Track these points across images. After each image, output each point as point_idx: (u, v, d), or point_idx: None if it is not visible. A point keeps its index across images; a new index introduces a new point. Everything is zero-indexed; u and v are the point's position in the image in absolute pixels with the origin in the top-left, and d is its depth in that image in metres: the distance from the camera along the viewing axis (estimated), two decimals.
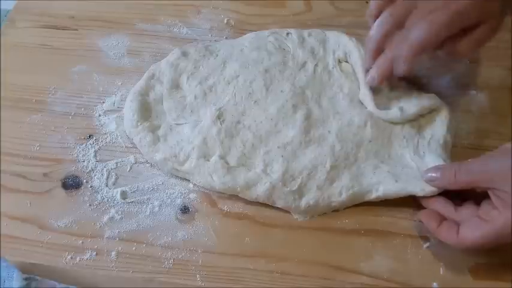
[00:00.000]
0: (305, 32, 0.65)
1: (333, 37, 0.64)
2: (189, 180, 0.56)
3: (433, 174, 0.51)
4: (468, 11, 0.51)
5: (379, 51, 0.56)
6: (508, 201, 0.45)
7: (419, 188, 0.52)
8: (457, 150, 0.58)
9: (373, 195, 0.53)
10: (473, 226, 0.47)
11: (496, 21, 0.53)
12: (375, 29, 0.55)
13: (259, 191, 0.53)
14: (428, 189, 0.52)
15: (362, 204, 0.55)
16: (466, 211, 0.50)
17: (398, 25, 0.54)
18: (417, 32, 0.52)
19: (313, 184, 0.54)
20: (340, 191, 0.53)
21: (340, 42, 0.63)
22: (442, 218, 0.51)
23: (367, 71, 0.58)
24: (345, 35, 0.64)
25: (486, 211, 0.48)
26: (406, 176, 0.53)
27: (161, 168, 0.57)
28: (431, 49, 0.54)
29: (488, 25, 0.53)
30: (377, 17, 0.56)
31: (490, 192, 0.47)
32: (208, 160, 0.55)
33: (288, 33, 0.65)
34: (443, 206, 0.51)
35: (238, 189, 0.54)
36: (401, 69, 0.54)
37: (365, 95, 0.58)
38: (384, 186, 0.53)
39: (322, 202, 0.53)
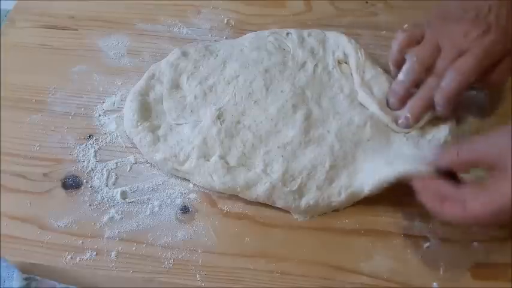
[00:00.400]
0: (305, 32, 0.65)
1: (333, 37, 0.64)
2: (189, 180, 0.56)
3: (436, 153, 0.51)
4: (494, 48, 0.52)
5: (407, 96, 0.56)
6: None
7: (414, 167, 0.50)
8: None
9: (369, 186, 0.53)
10: (482, 198, 0.45)
11: None
12: (404, 76, 0.56)
13: (259, 191, 0.53)
14: (424, 168, 0.50)
15: (362, 204, 0.55)
16: (468, 188, 0.48)
17: (428, 71, 0.55)
18: (449, 81, 0.53)
19: (312, 184, 0.54)
20: (339, 191, 0.53)
21: (340, 43, 0.63)
22: (443, 198, 0.48)
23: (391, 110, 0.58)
24: (344, 36, 0.64)
25: (491, 185, 0.46)
26: (400, 160, 0.53)
27: (161, 168, 0.57)
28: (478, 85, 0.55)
29: None
30: (399, 60, 0.57)
31: (492, 171, 0.46)
32: (208, 160, 0.55)
33: (288, 33, 0.65)
34: (443, 185, 0.49)
35: (238, 189, 0.54)
36: (443, 115, 0.55)
37: (364, 97, 0.58)
38: (378, 173, 0.53)
39: (322, 202, 0.53)
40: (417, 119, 0.56)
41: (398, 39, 0.57)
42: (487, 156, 0.47)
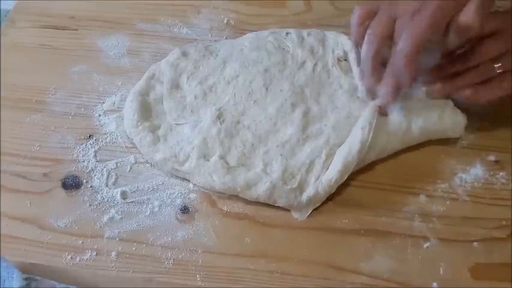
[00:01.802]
0: (304, 32, 0.65)
1: (332, 36, 0.64)
2: (189, 180, 0.56)
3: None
4: (447, 5, 0.50)
5: (377, 69, 0.56)
6: None
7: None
8: (456, 150, 0.59)
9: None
10: None
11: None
12: (365, 50, 0.56)
13: (260, 191, 0.53)
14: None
15: (362, 204, 0.55)
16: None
17: (386, 40, 0.54)
18: (404, 42, 0.52)
19: (311, 177, 0.54)
20: (333, 170, 0.54)
21: (339, 42, 0.64)
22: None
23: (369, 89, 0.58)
24: (343, 34, 0.64)
25: None
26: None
27: (161, 168, 0.57)
28: (430, 45, 0.53)
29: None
30: (361, 33, 0.56)
31: None
32: (208, 160, 0.55)
33: (287, 33, 0.65)
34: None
35: (239, 189, 0.54)
36: (407, 81, 0.54)
37: (363, 92, 0.59)
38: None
39: (322, 189, 0.53)
40: (392, 93, 0.55)
41: (356, 13, 0.56)
42: None
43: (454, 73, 0.57)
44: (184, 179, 0.57)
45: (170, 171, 0.57)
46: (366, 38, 0.55)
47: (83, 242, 0.52)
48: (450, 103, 0.58)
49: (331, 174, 0.54)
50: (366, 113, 0.56)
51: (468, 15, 0.50)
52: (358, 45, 0.59)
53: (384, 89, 0.56)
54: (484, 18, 0.50)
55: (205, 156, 0.55)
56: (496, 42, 0.54)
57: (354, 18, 0.57)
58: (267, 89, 0.60)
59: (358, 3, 0.71)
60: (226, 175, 0.54)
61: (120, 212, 0.54)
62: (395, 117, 0.57)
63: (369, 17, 0.56)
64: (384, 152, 0.57)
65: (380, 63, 0.56)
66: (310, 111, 0.58)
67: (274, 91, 0.60)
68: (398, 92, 0.56)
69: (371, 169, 0.57)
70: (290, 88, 0.60)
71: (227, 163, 0.55)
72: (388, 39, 0.54)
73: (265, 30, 0.66)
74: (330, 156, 0.55)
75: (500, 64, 0.54)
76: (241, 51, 0.63)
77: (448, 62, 0.57)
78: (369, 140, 0.54)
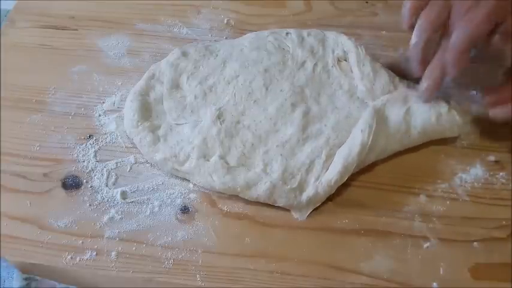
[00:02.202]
0: (304, 32, 0.65)
1: (332, 36, 0.64)
2: (189, 180, 0.56)
3: None
4: (502, 5, 0.50)
5: (425, 59, 0.55)
6: None
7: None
8: (456, 150, 0.59)
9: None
10: None
11: None
12: (416, 38, 0.54)
13: (260, 191, 0.53)
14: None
15: (362, 205, 0.55)
16: None
17: (438, 29, 0.53)
18: (457, 34, 0.51)
19: (311, 177, 0.54)
20: (333, 171, 0.54)
21: (339, 42, 0.64)
22: None
23: (416, 81, 0.58)
24: (343, 35, 0.64)
25: None
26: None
27: (161, 168, 0.57)
28: (481, 43, 0.53)
29: None
30: (413, 24, 0.55)
31: None
32: (208, 160, 0.55)
33: (287, 33, 0.65)
34: None
35: (239, 189, 0.54)
36: (452, 73, 0.53)
37: (365, 91, 0.59)
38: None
39: (322, 189, 0.53)
40: (437, 84, 0.55)
41: (407, 4, 0.55)
42: None
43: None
44: (184, 179, 0.57)
45: (170, 171, 0.57)
46: (416, 26, 0.54)
47: (83, 242, 0.52)
48: (444, 104, 0.58)
49: (331, 175, 0.54)
50: (366, 115, 0.56)
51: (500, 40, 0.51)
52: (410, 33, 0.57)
53: (426, 83, 0.55)
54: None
55: (205, 156, 0.55)
56: (430, 7, 0.53)
57: (406, 10, 0.56)
58: (267, 89, 0.60)
59: (358, 4, 0.72)
60: (226, 175, 0.54)
61: (120, 212, 0.54)
62: (395, 119, 0.57)
63: (421, 8, 0.54)
64: (384, 153, 0.57)
65: (428, 53, 0.55)
66: (310, 112, 0.58)
67: (274, 91, 0.60)
68: (440, 87, 0.55)
69: (371, 169, 0.57)
70: (290, 88, 0.60)
71: (227, 163, 0.55)
72: (439, 29, 0.53)
73: (265, 30, 0.66)
74: (330, 156, 0.55)
75: None
76: (241, 51, 0.63)
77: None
78: (369, 142, 0.54)
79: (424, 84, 0.56)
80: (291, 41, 0.64)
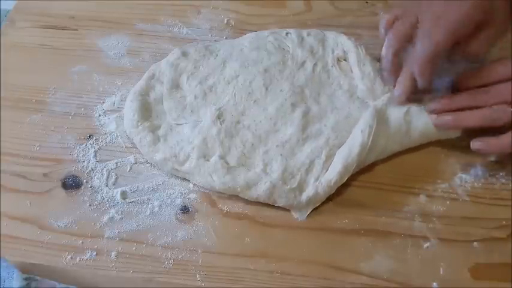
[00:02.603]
0: (304, 32, 0.65)
1: (332, 36, 0.64)
2: (189, 180, 0.56)
3: None
4: (470, 16, 0.52)
5: (396, 69, 0.58)
6: None
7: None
8: (456, 150, 0.58)
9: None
10: None
11: (505, 19, 0.54)
12: (385, 50, 0.57)
13: (260, 191, 0.53)
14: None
15: (362, 205, 0.55)
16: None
17: (405, 42, 0.56)
18: (422, 46, 0.54)
19: (311, 177, 0.54)
20: (333, 172, 0.54)
21: (339, 42, 0.64)
22: None
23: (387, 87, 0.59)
24: (343, 35, 0.64)
25: None
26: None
27: (161, 168, 0.57)
28: (443, 56, 0.55)
29: (497, 24, 0.53)
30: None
31: None
32: (208, 160, 0.55)
33: (287, 33, 0.65)
34: None
35: (239, 189, 0.54)
36: (420, 83, 0.55)
37: (365, 91, 0.59)
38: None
39: (321, 189, 0.53)
40: (407, 92, 0.57)
41: (383, 19, 0.58)
42: None
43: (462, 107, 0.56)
44: (184, 179, 0.57)
45: (170, 171, 0.57)
46: (387, 37, 0.57)
47: (83, 242, 0.52)
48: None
49: (330, 176, 0.54)
50: (366, 116, 0.56)
51: (478, 44, 0.54)
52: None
53: (397, 91, 0.57)
54: (489, 50, 0.55)
55: (205, 156, 0.55)
56: (400, 21, 0.56)
57: (381, 25, 0.59)
58: (266, 89, 0.60)
59: (357, 4, 0.72)
60: (226, 175, 0.54)
61: (120, 212, 0.54)
62: (395, 119, 0.57)
63: (396, 20, 0.57)
64: (384, 153, 0.57)
65: (399, 62, 0.57)
66: (310, 112, 0.58)
67: (274, 91, 0.60)
68: (412, 93, 0.57)
69: (371, 169, 0.57)
70: (290, 88, 0.60)
71: (227, 163, 0.55)
72: (406, 42, 0.56)
73: (265, 31, 0.66)
74: (329, 156, 0.55)
75: None
76: (241, 51, 0.63)
77: (460, 94, 0.57)
78: (369, 143, 0.54)
79: (396, 92, 0.57)
80: (290, 41, 0.64)
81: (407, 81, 0.56)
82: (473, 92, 0.56)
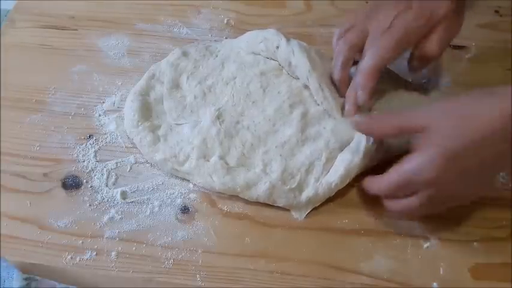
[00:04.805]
0: (295, 44, 0.61)
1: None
2: (189, 180, 0.56)
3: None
4: (415, 24, 0.53)
5: (345, 79, 0.57)
6: (433, 141, 0.45)
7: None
8: None
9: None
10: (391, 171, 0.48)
11: (455, 17, 0.54)
12: (335, 59, 0.57)
13: (260, 191, 0.53)
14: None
15: (362, 205, 0.55)
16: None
17: (356, 50, 0.56)
18: (366, 59, 0.54)
19: (311, 178, 0.54)
20: (334, 175, 0.54)
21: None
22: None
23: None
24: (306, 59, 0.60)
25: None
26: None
27: (161, 168, 0.57)
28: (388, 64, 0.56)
29: (448, 22, 0.54)
30: None
31: (414, 138, 0.48)
32: (208, 160, 0.55)
33: (277, 47, 0.61)
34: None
35: (239, 189, 0.54)
36: (361, 98, 0.55)
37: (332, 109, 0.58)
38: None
39: (322, 190, 0.53)
40: (355, 106, 0.56)
41: (337, 30, 0.58)
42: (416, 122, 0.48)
43: None
44: (184, 179, 0.57)
45: (170, 172, 0.57)
46: (337, 46, 0.57)
47: (83, 242, 0.52)
48: None
49: (332, 178, 0.54)
50: None
51: (431, 47, 0.54)
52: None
53: (346, 107, 0.57)
54: (444, 50, 0.55)
55: (205, 157, 0.55)
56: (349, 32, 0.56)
57: (335, 33, 0.59)
58: (264, 91, 0.60)
59: (357, 4, 0.72)
60: (226, 175, 0.54)
61: (120, 212, 0.54)
62: None
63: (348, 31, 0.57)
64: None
65: (347, 74, 0.58)
66: (308, 113, 0.58)
67: (272, 93, 0.60)
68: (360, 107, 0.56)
69: (371, 169, 0.57)
70: (287, 90, 0.60)
71: (227, 163, 0.55)
72: (354, 53, 0.56)
73: (261, 31, 0.63)
74: (330, 159, 0.55)
75: None
76: (238, 53, 0.63)
77: None
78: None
79: (346, 104, 0.57)
80: (279, 55, 0.61)
81: (353, 96, 0.56)
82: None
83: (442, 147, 0.45)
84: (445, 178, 0.45)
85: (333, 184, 0.53)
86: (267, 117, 0.58)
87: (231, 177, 0.54)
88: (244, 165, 0.55)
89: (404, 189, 0.48)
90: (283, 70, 0.62)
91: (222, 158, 0.55)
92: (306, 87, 0.60)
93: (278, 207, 0.54)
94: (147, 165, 0.58)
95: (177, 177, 0.57)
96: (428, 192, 0.46)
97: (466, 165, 0.45)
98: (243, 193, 0.54)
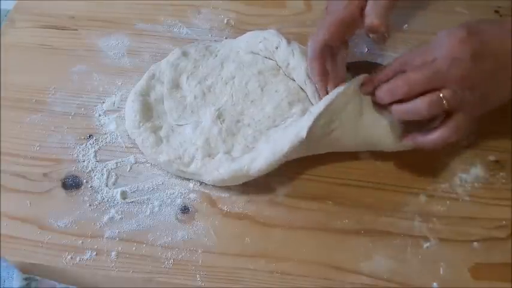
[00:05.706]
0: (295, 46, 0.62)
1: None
2: (189, 180, 0.57)
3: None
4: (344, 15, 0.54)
5: (323, 70, 0.56)
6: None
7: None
8: (456, 150, 0.59)
9: None
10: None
11: None
12: (309, 50, 0.56)
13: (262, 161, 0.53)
14: None
15: (362, 204, 0.55)
16: None
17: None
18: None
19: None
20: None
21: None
22: None
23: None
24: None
25: None
26: None
27: (166, 170, 0.57)
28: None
29: None
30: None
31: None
32: (213, 158, 0.55)
33: (277, 47, 0.61)
34: None
35: (245, 167, 0.53)
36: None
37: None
38: None
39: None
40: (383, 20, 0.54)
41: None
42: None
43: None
44: (184, 179, 0.57)
45: (175, 173, 0.57)
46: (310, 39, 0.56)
47: (83, 242, 0.52)
48: None
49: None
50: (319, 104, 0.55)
51: (370, 19, 0.53)
52: None
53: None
54: (385, 18, 0.53)
55: (210, 155, 0.56)
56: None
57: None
58: (262, 90, 0.60)
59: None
60: (232, 163, 0.54)
61: (120, 212, 0.54)
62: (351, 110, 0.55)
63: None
64: (337, 146, 0.56)
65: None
66: (308, 110, 0.58)
67: (270, 92, 0.60)
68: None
69: (371, 169, 0.57)
70: (285, 89, 0.60)
71: (232, 156, 0.55)
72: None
73: (261, 31, 0.64)
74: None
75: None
76: (238, 53, 0.63)
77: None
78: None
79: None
80: (277, 56, 0.61)
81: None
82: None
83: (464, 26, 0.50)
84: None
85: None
86: (266, 115, 0.58)
87: (237, 163, 0.54)
88: (248, 153, 0.55)
89: (434, 82, 0.50)
90: (280, 70, 0.62)
91: (226, 153, 0.56)
92: (303, 87, 0.60)
93: (278, 207, 0.54)
94: (147, 165, 0.58)
95: (177, 177, 0.57)
96: (460, 87, 0.49)
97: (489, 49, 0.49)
98: (248, 167, 0.53)
